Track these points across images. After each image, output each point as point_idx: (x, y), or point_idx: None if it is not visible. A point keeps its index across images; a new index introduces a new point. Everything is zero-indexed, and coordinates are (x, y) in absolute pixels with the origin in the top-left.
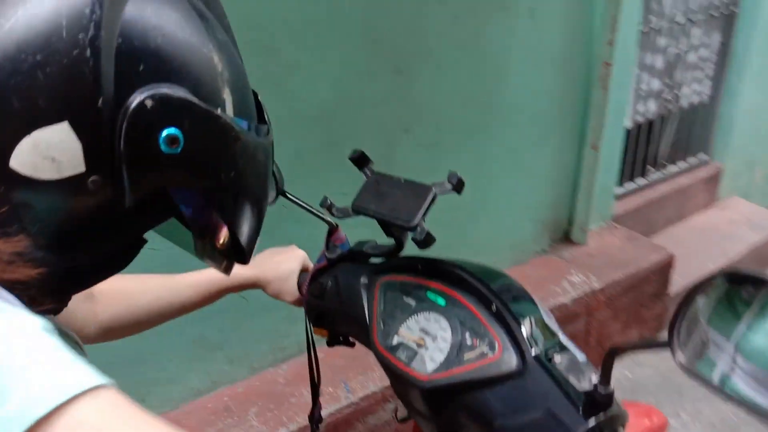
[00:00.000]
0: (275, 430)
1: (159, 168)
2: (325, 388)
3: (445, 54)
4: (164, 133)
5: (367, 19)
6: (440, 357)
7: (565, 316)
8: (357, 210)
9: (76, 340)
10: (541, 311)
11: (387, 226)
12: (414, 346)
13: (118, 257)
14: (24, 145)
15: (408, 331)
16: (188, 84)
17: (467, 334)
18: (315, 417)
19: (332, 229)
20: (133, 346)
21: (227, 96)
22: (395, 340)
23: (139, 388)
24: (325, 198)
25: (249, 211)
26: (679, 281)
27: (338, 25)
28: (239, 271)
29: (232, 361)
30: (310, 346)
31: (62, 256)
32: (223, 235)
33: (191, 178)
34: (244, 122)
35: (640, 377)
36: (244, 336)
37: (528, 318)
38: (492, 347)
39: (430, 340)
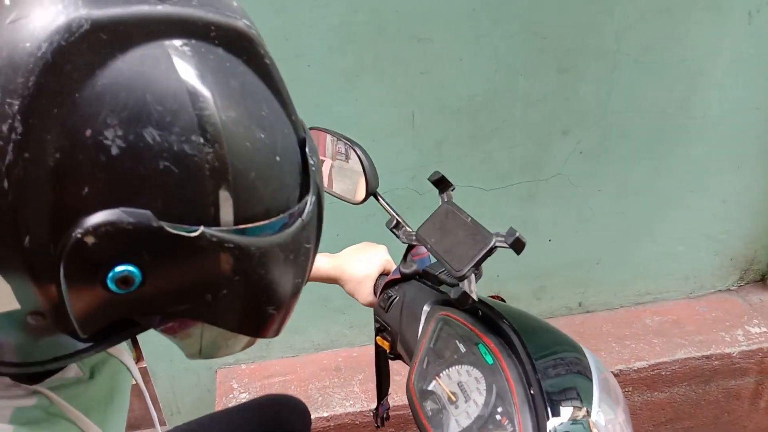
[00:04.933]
0: (371, 402)
1: (113, 306)
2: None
3: (625, 55)
4: (112, 272)
5: (533, 12)
6: (465, 422)
7: (729, 369)
8: (418, 238)
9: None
10: (597, 405)
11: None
12: (445, 399)
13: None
14: None
15: (447, 381)
16: (156, 202)
17: (499, 409)
18: (379, 414)
19: (413, 244)
20: None
21: (225, 200)
22: (430, 386)
23: None
24: (392, 218)
25: (260, 311)
26: None
27: (500, 18)
28: (320, 265)
29: (352, 326)
30: (378, 353)
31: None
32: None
33: (161, 307)
34: (246, 229)
35: None
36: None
37: (568, 413)
38: None
39: (462, 400)
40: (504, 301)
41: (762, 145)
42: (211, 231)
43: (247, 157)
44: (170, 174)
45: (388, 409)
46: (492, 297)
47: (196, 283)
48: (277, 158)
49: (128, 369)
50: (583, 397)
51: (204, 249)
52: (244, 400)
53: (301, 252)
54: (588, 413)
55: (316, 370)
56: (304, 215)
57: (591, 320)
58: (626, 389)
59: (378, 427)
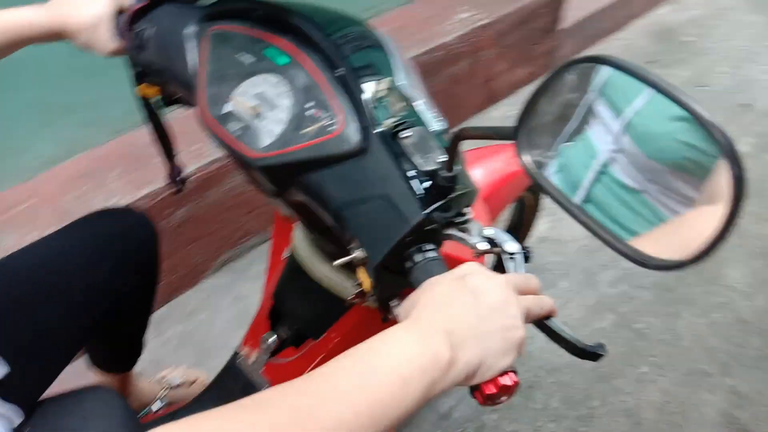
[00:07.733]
0: (138, 190)
1: None
2: (188, 147)
3: None
4: None
5: None
6: (278, 129)
7: (451, 56)
8: None
9: None
10: (396, 71)
11: None
12: (248, 115)
13: None
14: None
15: (243, 97)
16: None
17: (309, 104)
18: (174, 176)
19: None
20: None
21: None
22: (227, 108)
23: None
24: None
25: None
26: (575, 14)
27: None
28: (32, 19)
29: (87, 125)
30: (147, 107)
31: None
32: None
33: None
34: None
35: None
36: (96, 98)
37: (377, 84)
38: (333, 121)
39: (267, 109)
40: None
41: None
42: None
43: None
44: None
45: (180, 171)
46: None
47: None
48: None
49: None
50: (384, 69)
51: None
52: None
53: None
54: (393, 82)
55: (62, 183)
56: None
57: None
58: None
59: (177, 192)
